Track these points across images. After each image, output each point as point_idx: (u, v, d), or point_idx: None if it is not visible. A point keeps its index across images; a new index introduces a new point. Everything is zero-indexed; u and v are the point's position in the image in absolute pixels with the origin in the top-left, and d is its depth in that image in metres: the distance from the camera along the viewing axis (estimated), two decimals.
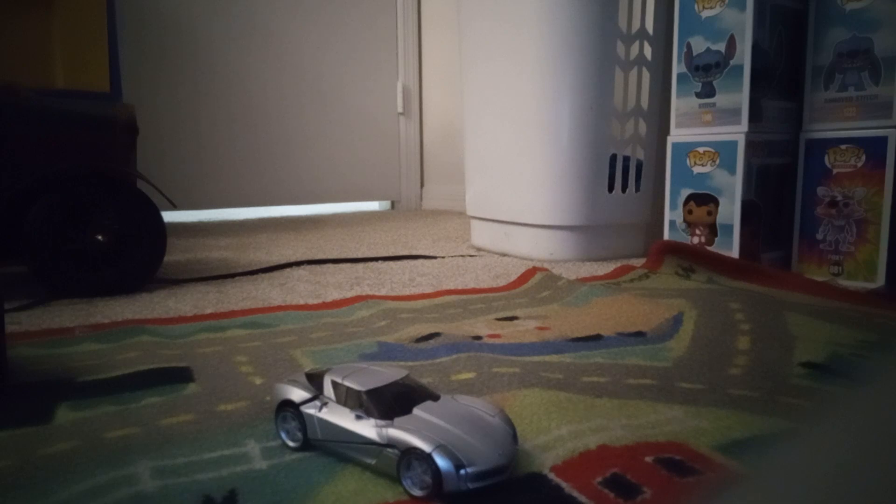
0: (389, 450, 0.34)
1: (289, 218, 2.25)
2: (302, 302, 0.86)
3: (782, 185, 1.04)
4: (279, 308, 0.80)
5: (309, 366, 0.56)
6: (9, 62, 0.96)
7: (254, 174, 2.29)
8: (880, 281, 0.92)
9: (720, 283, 0.91)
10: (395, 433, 0.34)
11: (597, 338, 0.64)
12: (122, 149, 0.97)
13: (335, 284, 0.98)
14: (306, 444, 0.39)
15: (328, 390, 0.38)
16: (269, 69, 2.29)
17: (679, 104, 1.09)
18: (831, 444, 0.13)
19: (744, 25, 0.98)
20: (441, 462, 0.32)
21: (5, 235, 0.88)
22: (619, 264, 1.08)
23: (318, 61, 2.39)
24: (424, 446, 0.33)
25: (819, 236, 1.00)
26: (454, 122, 2.46)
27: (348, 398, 0.37)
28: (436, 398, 0.38)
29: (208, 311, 0.81)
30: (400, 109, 2.59)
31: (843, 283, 0.94)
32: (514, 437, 0.36)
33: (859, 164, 0.95)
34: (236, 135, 2.25)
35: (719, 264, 0.96)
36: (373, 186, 2.57)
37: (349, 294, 0.90)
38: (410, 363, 0.57)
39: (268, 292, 0.93)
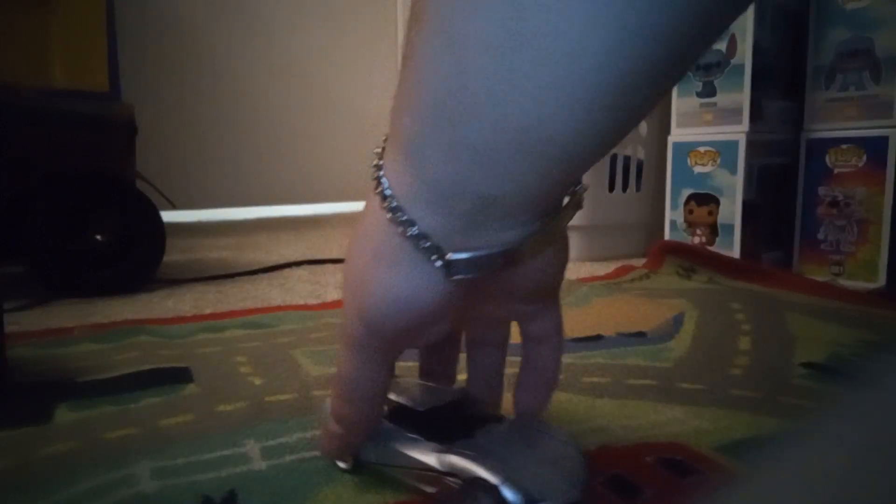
0: (450, 479, 0.31)
1: (289, 218, 2.25)
2: (302, 302, 0.86)
3: (783, 185, 1.04)
4: (279, 308, 0.80)
5: (309, 366, 0.56)
6: (8, 62, 0.96)
7: (254, 174, 2.29)
8: (881, 281, 0.92)
9: (721, 283, 0.91)
10: (457, 461, 0.30)
11: (597, 338, 0.64)
12: (122, 149, 0.97)
13: (335, 284, 0.98)
14: (359, 466, 0.35)
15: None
16: (270, 68, 2.29)
17: (680, 104, 1.08)
18: (831, 444, 0.13)
19: (745, 25, 0.98)
20: (510, 496, 0.28)
21: (5, 235, 0.88)
22: (619, 264, 1.08)
23: (319, 61, 2.39)
24: (492, 478, 0.29)
25: (820, 236, 1.00)
26: None
27: (404, 418, 0.33)
28: (499, 420, 0.34)
29: (208, 311, 0.81)
30: None
31: (844, 283, 0.94)
32: (587, 465, 0.32)
33: (860, 164, 0.95)
34: (236, 134, 2.25)
35: (720, 264, 0.96)
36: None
37: None
38: (410, 363, 0.56)
39: (267, 292, 0.93)
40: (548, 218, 0.27)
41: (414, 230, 0.26)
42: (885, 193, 0.92)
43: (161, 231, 0.96)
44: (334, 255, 1.27)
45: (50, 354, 0.61)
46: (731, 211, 1.01)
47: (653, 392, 0.49)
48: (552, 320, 0.34)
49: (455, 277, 0.26)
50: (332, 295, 0.90)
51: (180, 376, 0.54)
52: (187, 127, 2.16)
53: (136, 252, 0.94)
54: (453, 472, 0.31)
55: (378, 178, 0.27)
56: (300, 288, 0.96)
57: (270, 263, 1.17)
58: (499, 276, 0.28)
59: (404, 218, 0.26)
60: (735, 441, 0.40)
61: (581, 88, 0.21)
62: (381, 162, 0.28)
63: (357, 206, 2.05)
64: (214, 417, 0.45)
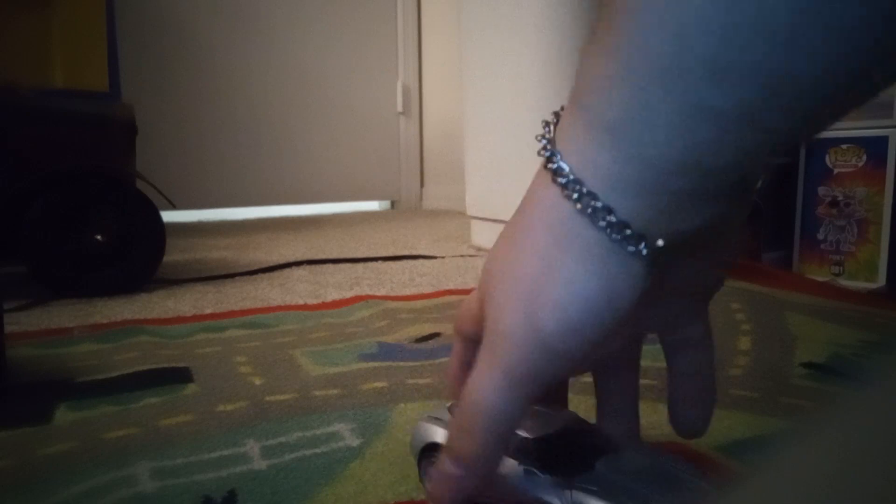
0: None
1: (289, 218, 2.25)
2: (301, 302, 0.86)
3: (783, 184, 1.04)
4: (279, 308, 0.80)
5: (309, 366, 0.56)
6: (8, 62, 0.96)
7: (254, 174, 2.29)
8: (881, 281, 0.92)
9: None
10: (582, 497, 0.27)
11: None
12: (122, 149, 0.97)
13: (335, 284, 0.98)
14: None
15: None
16: (270, 69, 2.29)
17: None
18: (831, 444, 0.13)
19: None
20: None
21: (5, 235, 0.88)
22: None
23: (319, 61, 2.39)
24: None
25: (820, 236, 1.00)
26: (454, 122, 2.46)
27: (513, 445, 0.30)
28: (616, 448, 0.30)
29: (207, 311, 0.81)
30: (400, 109, 2.59)
31: (844, 282, 0.94)
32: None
33: (860, 164, 0.95)
34: (236, 134, 2.25)
35: None
36: (373, 186, 2.57)
37: (349, 294, 0.90)
38: (410, 363, 0.56)
39: (267, 292, 0.93)
40: (739, 193, 0.24)
41: (611, 218, 0.22)
42: (885, 193, 0.92)
43: (161, 231, 0.96)
44: (334, 255, 1.27)
45: (50, 354, 0.61)
46: None
47: (653, 392, 0.49)
48: (705, 321, 0.30)
49: (656, 266, 0.23)
50: (332, 295, 0.90)
51: (180, 376, 0.54)
52: (187, 127, 2.16)
53: (136, 252, 0.94)
54: None
55: (556, 165, 0.23)
56: (300, 288, 0.96)
57: (270, 263, 1.17)
58: (678, 269, 0.25)
59: (599, 205, 0.22)
60: (735, 441, 0.40)
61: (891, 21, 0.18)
62: (550, 147, 0.24)
63: (356, 206, 2.04)
64: (214, 417, 0.45)
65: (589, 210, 0.22)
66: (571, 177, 0.23)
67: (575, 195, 0.23)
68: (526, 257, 0.24)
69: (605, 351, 0.26)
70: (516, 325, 0.24)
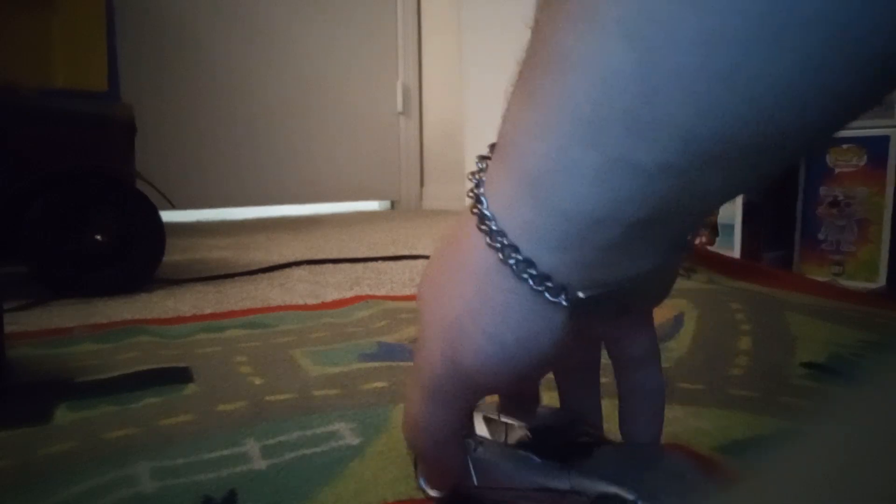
0: (574, 496, 0.28)
1: (288, 218, 2.25)
2: (301, 302, 0.86)
3: (784, 184, 1.04)
4: (278, 308, 0.80)
5: (308, 366, 0.56)
6: (8, 62, 0.96)
7: (254, 174, 2.29)
8: (881, 281, 0.92)
9: (721, 283, 0.91)
10: (586, 478, 0.28)
11: None
12: (121, 148, 0.97)
13: (335, 284, 0.98)
14: (456, 494, 0.31)
15: (480, 428, 0.32)
16: (270, 68, 2.29)
17: None
18: (831, 444, 0.13)
19: None
20: None
21: (5, 235, 0.88)
22: None
23: (319, 61, 2.39)
24: (627, 493, 0.26)
25: (820, 236, 1.00)
26: (454, 121, 2.46)
27: (510, 437, 0.31)
28: (612, 443, 0.31)
29: (207, 311, 0.81)
30: (400, 109, 2.59)
31: (844, 283, 0.94)
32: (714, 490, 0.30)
33: (861, 164, 0.95)
34: (236, 134, 2.25)
35: (720, 264, 0.96)
36: (373, 186, 2.57)
37: (349, 294, 0.90)
38: (410, 363, 0.56)
39: (267, 292, 0.93)
40: (669, 244, 0.23)
41: (531, 271, 0.22)
42: (885, 193, 0.92)
43: (161, 231, 0.96)
44: (334, 255, 1.27)
45: (50, 354, 0.61)
46: (732, 211, 1.01)
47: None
48: (650, 336, 0.30)
49: (579, 317, 0.23)
50: (332, 295, 0.90)
51: (180, 376, 0.54)
52: (187, 127, 2.16)
53: (135, 252, 0.94)
54: (577, 491, 0.28)
55: (481, 213, 0.23)
56: (300, 288, 0.96)
57: (270, 263, 1.17)
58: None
59: (520, 258, 0.22)
60: (735, 441, 0.40)
61: (834, 70, 0.17)
62: (481, 191, 0.23)
63: (356, 206, 2.04)
64: (214, 417, 0.45)
65: (511, 262, 0.22)
66: (494, 227, 0.23)
67: (498, 245, 0.23)
68: (451, 301, 0.25)
69: (538, 377, 0.27)
70: (439, 361, 0.25)
